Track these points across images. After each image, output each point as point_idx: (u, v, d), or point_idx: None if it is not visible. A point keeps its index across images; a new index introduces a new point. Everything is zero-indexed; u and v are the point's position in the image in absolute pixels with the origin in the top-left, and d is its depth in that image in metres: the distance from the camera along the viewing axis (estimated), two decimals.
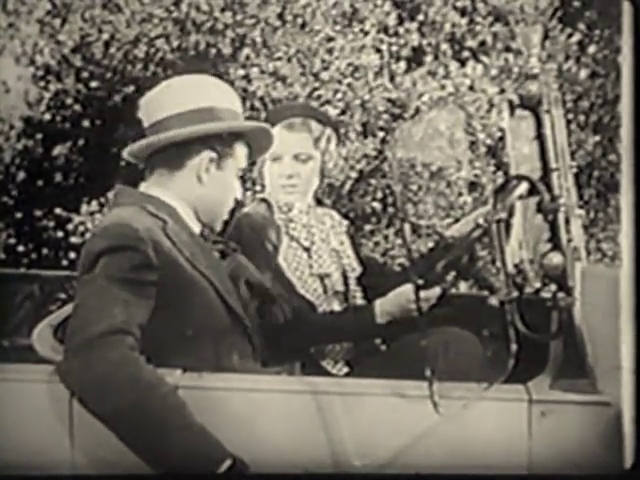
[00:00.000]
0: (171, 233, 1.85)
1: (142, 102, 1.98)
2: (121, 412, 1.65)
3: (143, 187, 1.96)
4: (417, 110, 4.62)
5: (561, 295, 1.67)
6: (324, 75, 4.67)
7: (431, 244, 2.05)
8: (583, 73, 4.94)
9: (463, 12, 5.06)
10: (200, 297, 1.85)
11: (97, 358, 1.66)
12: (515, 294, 1.66)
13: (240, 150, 1.96)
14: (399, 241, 4.55)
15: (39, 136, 4.81)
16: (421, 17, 5.00)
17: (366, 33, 4.78)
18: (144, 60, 4.76)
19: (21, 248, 4.76)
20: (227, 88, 2.00)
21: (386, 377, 1.78)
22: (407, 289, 2.05)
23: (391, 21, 4.86)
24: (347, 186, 4.61)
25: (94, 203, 4.53)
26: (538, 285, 1.69)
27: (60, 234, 4.67)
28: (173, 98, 1.93)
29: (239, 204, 2.10)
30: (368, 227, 4.67)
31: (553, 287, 1.69)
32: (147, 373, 1.68)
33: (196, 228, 1.97)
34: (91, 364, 1.66)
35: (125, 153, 1.98)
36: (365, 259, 2.39)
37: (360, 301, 2.29)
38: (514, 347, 1.62)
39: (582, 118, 4.97)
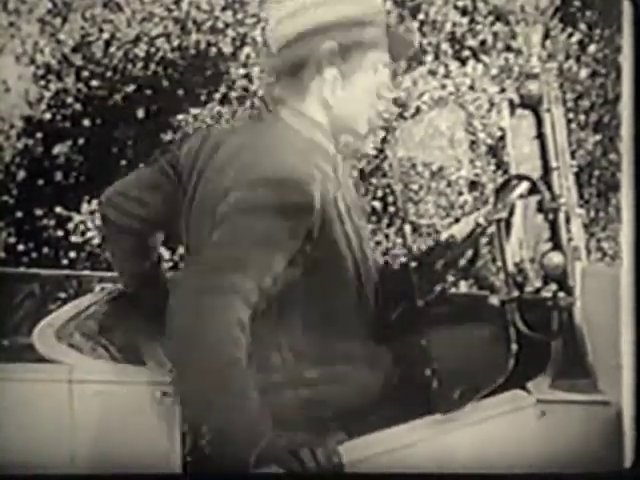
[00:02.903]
0: (331, 188, 1.72)
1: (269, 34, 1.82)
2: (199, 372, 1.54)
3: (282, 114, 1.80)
4: (418, 109, 4.62)
5: (561, 294, 1.67)
6: None
7: (431, 242, 2.05)
8: (584, 72, 4.93)
9: (464, 11, 5.06)
10: (341, 267, 1.75)
11: (208, 311, 1.54)
12: (515, 293, 1.66)
13: (373, 60, 1.78)
14: (400, 240, 4.55)
15: (39, 135, 4.81)
16: (422, 16, 5.00)
17: None
18: (144, 59, 4.75)
19: (21, 247, 4.76)
20: None
21: None
22: None
23: (391, 20, 4.86)
24: None
25: (94, 202, 4.52)
26: (538, 284, 1.69)
27: (60, 233, 4.67)
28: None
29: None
30: (369, 226, 4.67)
31: (553, 286, 1.69)
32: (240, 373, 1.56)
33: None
34: (200, 312, 1.55)
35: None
36: None
37: None
38: (514, 347, 1.61)
39: (582, 117, 4.96)
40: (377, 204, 4.66)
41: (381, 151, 4.59)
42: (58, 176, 4.86)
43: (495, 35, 4.98)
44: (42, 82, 4.79)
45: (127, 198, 1.99)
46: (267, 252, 1.61)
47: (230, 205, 1.65)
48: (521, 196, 1.72)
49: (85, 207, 4.55)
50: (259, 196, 1.63)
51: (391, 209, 4.63)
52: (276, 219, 1.62)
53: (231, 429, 1.52)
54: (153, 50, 4.73)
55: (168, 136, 4.34)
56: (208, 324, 1.54)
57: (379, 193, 4.66)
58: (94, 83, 4.81)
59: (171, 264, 2.25)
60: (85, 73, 4.82)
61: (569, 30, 4.95)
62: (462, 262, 1.87)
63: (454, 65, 4.79)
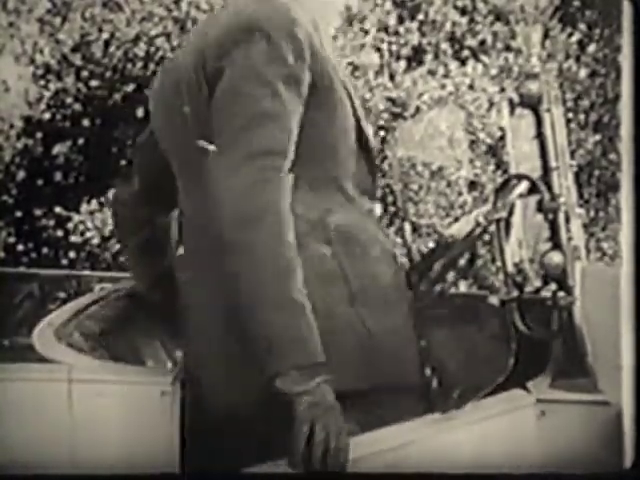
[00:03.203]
0: (324, 36, 1.66)
1: None
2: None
3: None
4: (417, 109, 4.62)
5: (561, 294, 1.67)
6: None
7: (432, 244, 2.05)
8: (583, 72, 4.94)
9: (463, 11, 5.06)
10: (342, 114, 1.68)
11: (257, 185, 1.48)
12: (515, 293, 1.66)
13: None
14: (399, 240, 4.55)
15: (39, 135, 4.81)
16: (421, 16, 5.00)
17: (366, 32, 4.78)
18: (144, 59, 4.75)
19: (21, 247, 4.76)
20: None
21: None
22: None
23: (391, 20, 4.86)
24: None
25: (94, 202, 4.53)
26: (538, 284, 1.69)
27: (60, 233, 4.67)
28: None
29: None
30: None
31: (553, 286, 1.69)
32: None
33: None
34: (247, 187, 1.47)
35: None
36: None
37: None
38: (514, 347, 1.61)
39: (582, 117, 4.96)
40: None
41: (381, 151, 4.59)
42: (58, 176, 4.86)
43: (495, 35, 4.98)
44: (42, 82, 4.79)
45: (128, 192, 2.00)
46: (280, 110, 1.54)
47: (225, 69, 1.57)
48: (521, 196, 1.72)
49: (84, 207, 4.55)
50: (248, 44, 1.55)
51: (391, 209, 4.63)
52: (274, 58, 1.55)
53: (287, 348, 1.44)
54: (153, 50, 4.73)
55: None
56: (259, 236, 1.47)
57: (379, 193, 4.66)
58: (94, 83, 4.81)
59: None
60: (85, 73, 4.82)
61: (569, 30, 4.96)
62: (461, 262, 1.87)
63: (454, 65, 4.79)
